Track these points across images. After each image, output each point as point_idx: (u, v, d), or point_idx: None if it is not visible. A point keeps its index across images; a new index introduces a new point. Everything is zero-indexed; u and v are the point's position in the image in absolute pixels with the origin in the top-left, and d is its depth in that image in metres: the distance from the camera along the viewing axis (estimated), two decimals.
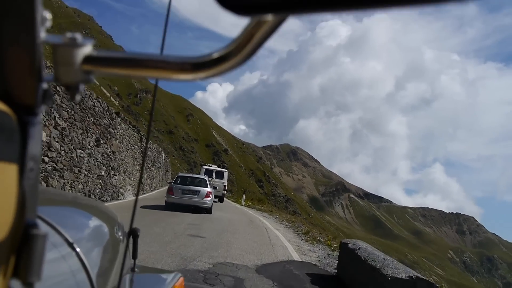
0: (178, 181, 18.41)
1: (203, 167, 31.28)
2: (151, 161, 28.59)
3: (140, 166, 24.28)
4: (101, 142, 17.68)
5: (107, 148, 18.74)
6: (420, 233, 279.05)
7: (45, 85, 0.54)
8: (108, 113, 19.05)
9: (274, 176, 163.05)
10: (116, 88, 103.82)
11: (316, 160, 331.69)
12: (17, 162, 0.50)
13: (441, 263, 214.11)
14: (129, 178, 23.27)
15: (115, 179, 20.35)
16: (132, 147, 24.55)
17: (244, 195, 35.79)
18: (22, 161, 0.51)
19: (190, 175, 20.07)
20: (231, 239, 11.69)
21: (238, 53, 0.53)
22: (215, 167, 31.64)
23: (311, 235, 15.90)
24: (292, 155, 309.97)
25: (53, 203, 1.38)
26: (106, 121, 18.59)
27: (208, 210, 18.18)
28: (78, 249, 1.03)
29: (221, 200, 29.40)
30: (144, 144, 27.16)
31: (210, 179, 24.32)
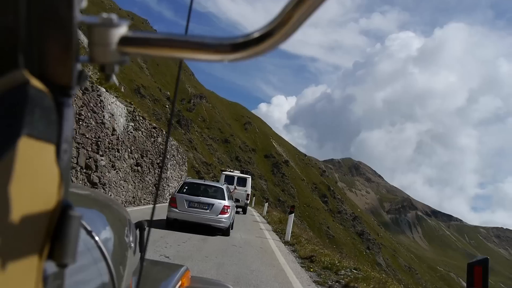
0: (185, 190, 13.84)
1: (223, 173, 28.69)
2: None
3: (160, 165, 22.18)
4: None
5: None
6: (495, 255, 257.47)
7: (79, 66, 0.54)
8: None
9: (339, 191, 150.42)
10: (167, 92, 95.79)
11: (379, 176, 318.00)
12: (54, 142, 0.50)
13: None
14: None
15: None
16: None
17: None
18: (58, 142, 0.50)
19: (201, 181, 15.12)
20: None
21: (278, 31, 0.51)
22: (237, 173, 29.15)
23: None
24: (355, 169, 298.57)
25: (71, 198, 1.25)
26: None
27: (225, 232, 13.56)
28: (97, 238, 1.04)
29: (244, 211, 27.11)
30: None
31: (232, 188, 23.67)
